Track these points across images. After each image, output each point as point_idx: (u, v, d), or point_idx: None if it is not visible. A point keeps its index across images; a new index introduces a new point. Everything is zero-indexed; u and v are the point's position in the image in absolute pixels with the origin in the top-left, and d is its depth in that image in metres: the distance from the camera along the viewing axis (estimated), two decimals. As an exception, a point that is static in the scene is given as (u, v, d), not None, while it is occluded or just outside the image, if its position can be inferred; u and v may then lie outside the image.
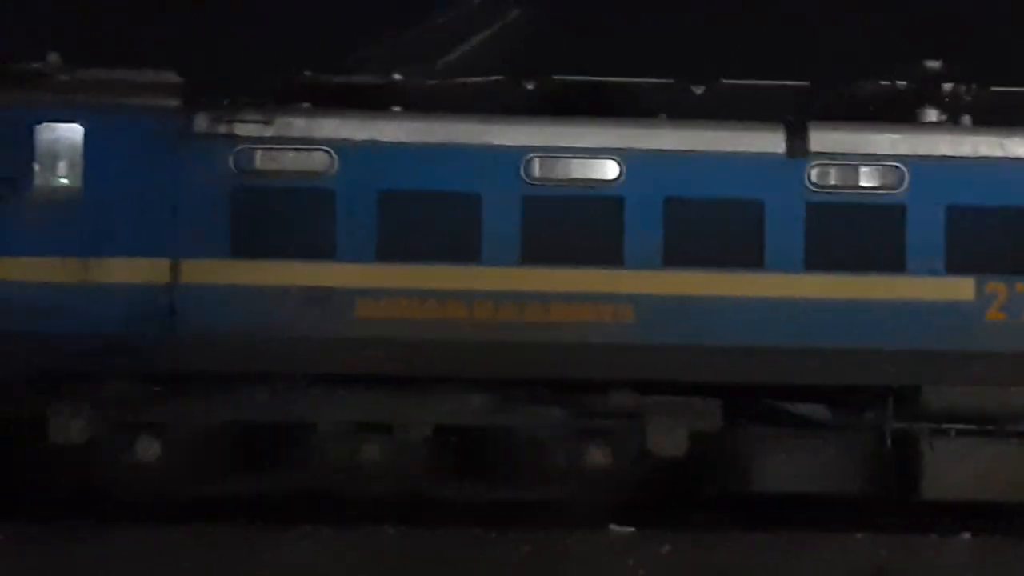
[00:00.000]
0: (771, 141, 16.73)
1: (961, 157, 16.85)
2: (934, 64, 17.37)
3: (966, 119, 17.27)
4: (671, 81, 17.25)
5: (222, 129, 16.33)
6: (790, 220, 16.59)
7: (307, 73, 17.03)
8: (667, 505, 16.74)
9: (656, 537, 15.98)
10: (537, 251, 16.47)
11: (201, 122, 16.35)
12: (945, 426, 16.87)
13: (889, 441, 16.89)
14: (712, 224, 16.58)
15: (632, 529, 16.41)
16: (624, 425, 16.65)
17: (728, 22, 19.14)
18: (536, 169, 16.59)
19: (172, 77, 16.55)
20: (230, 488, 16.40)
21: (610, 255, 16.51)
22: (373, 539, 15.77)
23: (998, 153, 16.91)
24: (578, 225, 16.55)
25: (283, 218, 16.40)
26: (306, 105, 16.78)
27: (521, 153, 16.52)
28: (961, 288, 16.75)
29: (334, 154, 16.46)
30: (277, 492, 16.46)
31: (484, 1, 17.51)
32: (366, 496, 16.38)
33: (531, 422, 16.61)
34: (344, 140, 16.48)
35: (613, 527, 16.43)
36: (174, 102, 16.37)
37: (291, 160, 16.50)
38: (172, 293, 16.13)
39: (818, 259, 16.60)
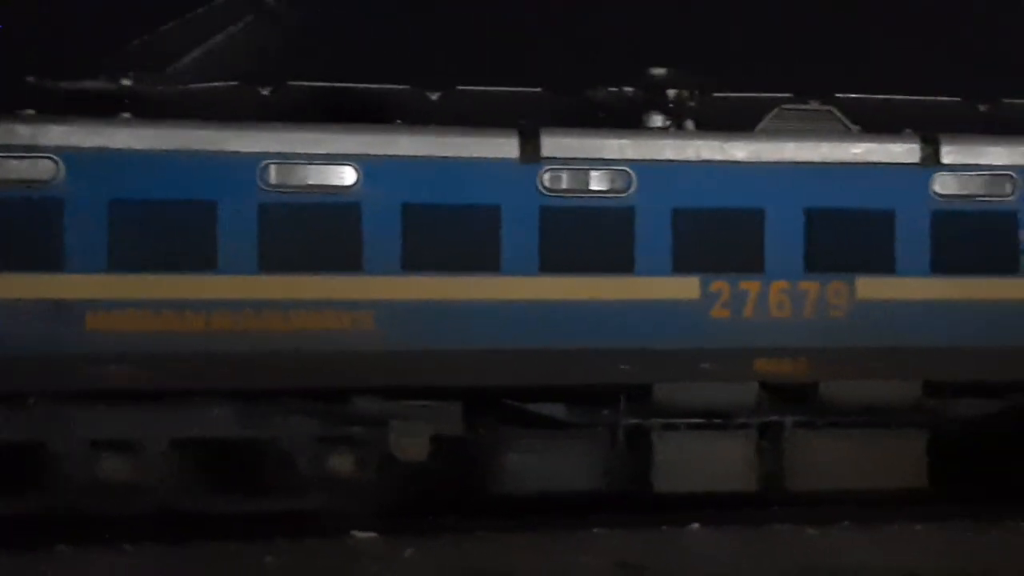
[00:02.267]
0: (505, 147, 16.00)
1: (685, 161, 16.42)
2: (660, 71, 16.94)
3: (690, 124, 16.89)
4: (407, 87, 16.36)
5: (-61, 138, 14.73)
6: (526, 224, 15.91)
7: (31, 79, 15.47)
8: (413, 509, 15.84)
9: (399, 542, 15.11)
10: (275, 259, 15.44)
11: (-83, 131, 14.74)
12: (675, 421, 16.38)
13: (622, 437, 16.30)
14: (450, 229, 15.77)
15: (375, 534, 15.47)
16: (367, 432, 15.65)
17: (463, 29, 18.30)
18: (272, 176, 15.51)
19: None
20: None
21: (349, 261, 15.60)
22: (111, 557, 14.51)
23: (719, 157, 16.54)
24: (316, 232, 15.59)
25: (7, 228, 14.96)
26: (30, 111, 15.24)
27: (257, 160, 15.39)
28: (687, 287, 16.35)
29: (61, 162, 15.02)
30: (17, 514, 14.91)
31: (217, 6, 16.25)
32: (107, 514, 15.01)
33: (273, 432, 15.50)
34: (72, 147, 15.11)
35: (356, 533, 15.47)
36: None
37: (15, 168, 15.05)
38: None
39: (553, 262, 15.97)
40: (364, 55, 17.24)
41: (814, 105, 17.17)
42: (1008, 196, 16.89)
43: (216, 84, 15.95)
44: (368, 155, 15.67)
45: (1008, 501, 16.97)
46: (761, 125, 16.99)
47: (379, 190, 15.66)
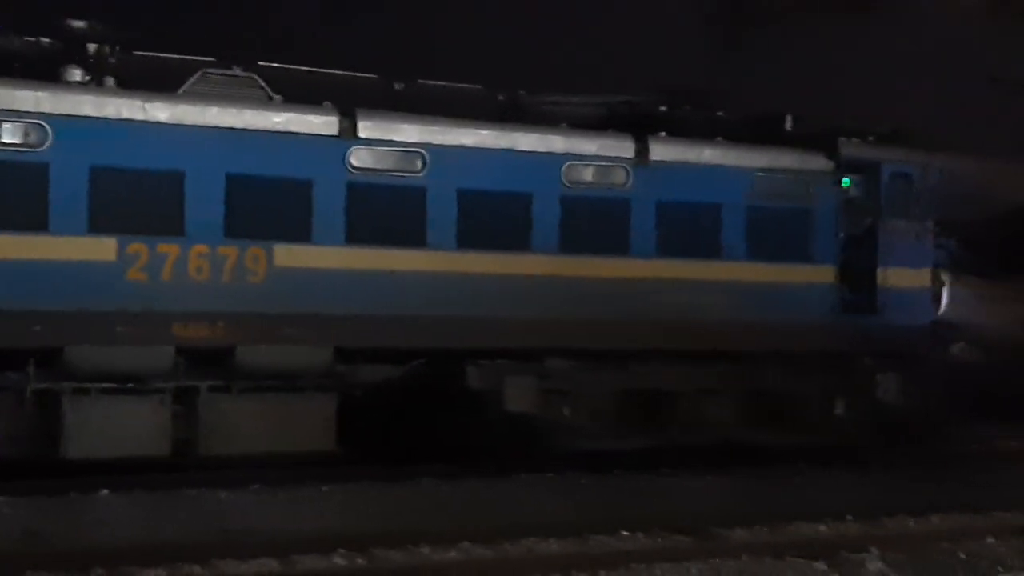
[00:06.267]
0: None
1: (105, 118, 15.23)
2: (79, 24, 15.55)
3: (110, 81, 15.60)
4: None
5: None
6: None
7: None
8: None
9: None
10: None
11: None
12: (87, 385, 15.14)
13: (30, 401, 14.86)
14: None
15: None
16: None
17: None
18: None
19: None
20: None
21: None
22: None
23: (140, 116, 15.46)
24: None
25: None
26: None
27: None
28: (103, 248, 15.14)
29: None
30: None
31: None
32: None
33: None
34: None
35: None
36: None
37: None
38: None
39: None
40: None
41: (237, 71, 16.40)
42: (418, 172, 16.84)
43: None
44: None
45: (410, 460, 17.01)
46: (184, 87, 16.00)
47: None
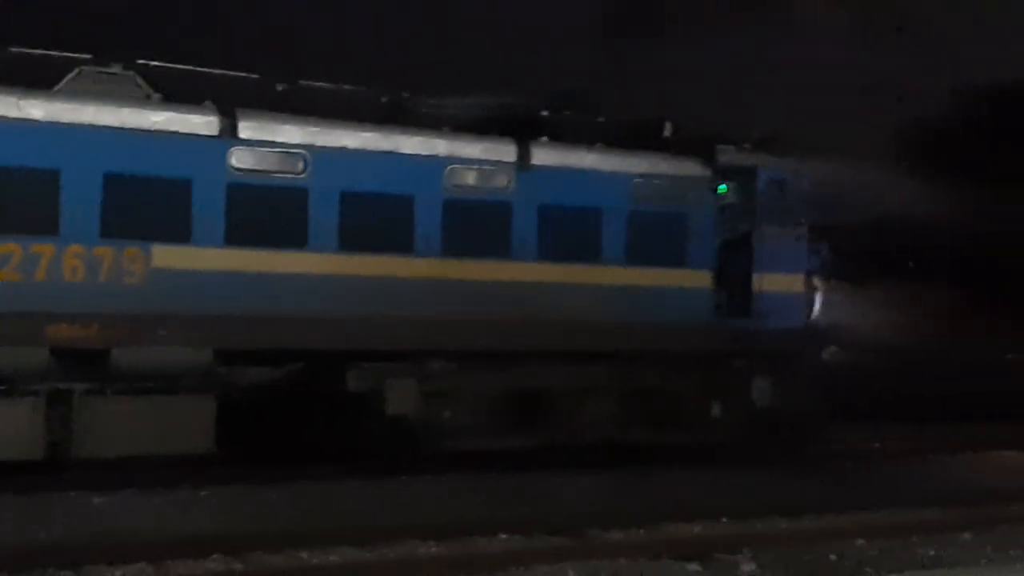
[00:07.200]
0: None
1: None
2: (-49, 19, 15.11)
3: None
4: None
5: None
6: None
7: None
8: None
9: None
10: None
11: None
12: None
13: None
14: None
15: None
16: None
17: None
18: None
19: None
20: None
21: None
22: None
23: (14, 114, 15.17)
24: None
25: None
26: None
27: None
28: None
29: None
30: None
31: None
32: None
33: None
34: None
35: None
36: None
37: None
38: None
39: None
40: None
41: (116, 69, 16.06)
42: (300, 173, 16.65)
43: None
44: None
45: (290, 463, 16.79)
46: (60, 85, 15.63)
47: None
